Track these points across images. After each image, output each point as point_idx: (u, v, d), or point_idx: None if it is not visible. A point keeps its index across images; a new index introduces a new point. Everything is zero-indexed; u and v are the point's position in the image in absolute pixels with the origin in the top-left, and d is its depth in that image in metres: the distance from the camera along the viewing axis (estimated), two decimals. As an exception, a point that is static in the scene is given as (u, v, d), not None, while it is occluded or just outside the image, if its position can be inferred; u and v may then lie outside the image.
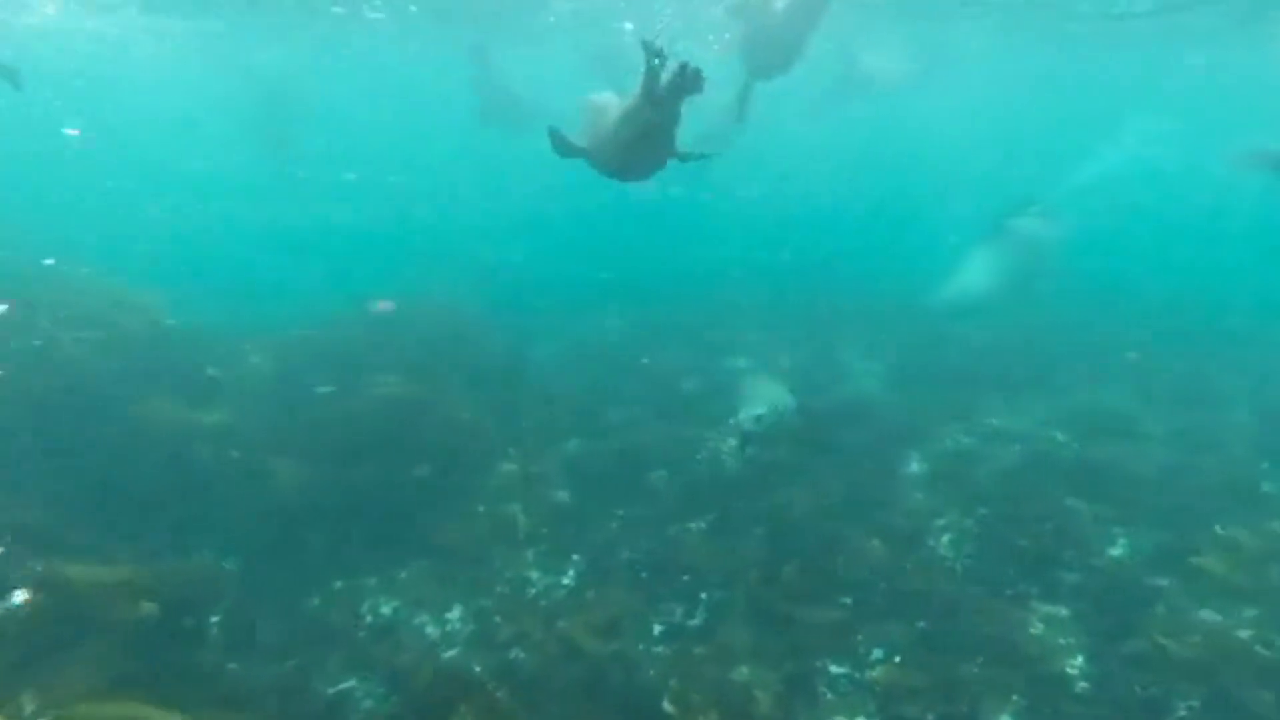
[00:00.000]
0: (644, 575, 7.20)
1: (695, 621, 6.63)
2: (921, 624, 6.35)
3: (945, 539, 7.39)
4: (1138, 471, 8.27)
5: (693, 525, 7.90)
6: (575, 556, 7.56)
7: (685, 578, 7.08)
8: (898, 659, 6.06)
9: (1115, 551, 7.21)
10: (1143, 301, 14.93)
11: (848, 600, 6.66)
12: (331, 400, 8.70)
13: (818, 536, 7.41)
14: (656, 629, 6.58)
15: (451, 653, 6.62)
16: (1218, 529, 7.10)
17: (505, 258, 17.45)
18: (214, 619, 6.54)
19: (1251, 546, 6.88)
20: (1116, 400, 10.55)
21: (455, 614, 6.99)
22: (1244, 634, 6.16)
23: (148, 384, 8.19)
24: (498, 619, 6.82)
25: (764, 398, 9.72)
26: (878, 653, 6.14)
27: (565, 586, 7.21)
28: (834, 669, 6.03)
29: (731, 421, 9.57)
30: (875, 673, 5.95)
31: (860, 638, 6.30)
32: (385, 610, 7.07)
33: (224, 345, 9.56)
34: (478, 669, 6.37)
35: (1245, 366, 11.64)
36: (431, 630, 6.87)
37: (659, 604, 6.82)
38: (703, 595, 6.85)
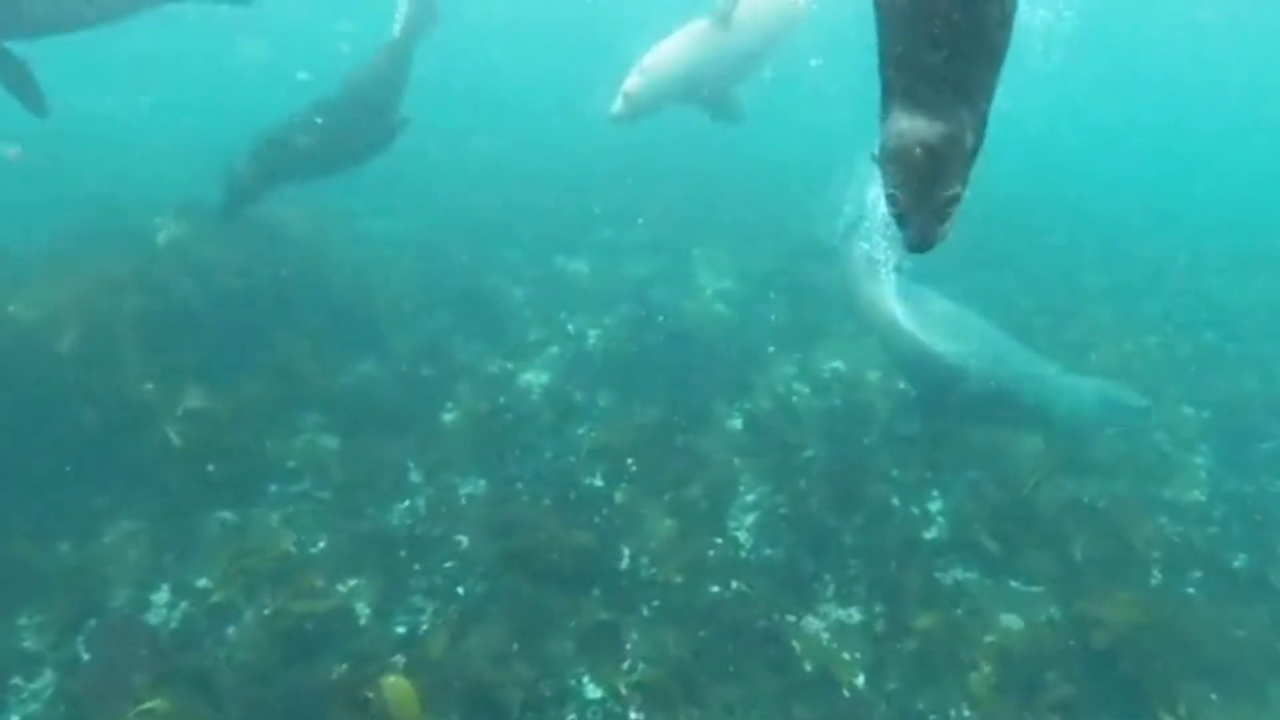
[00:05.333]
0: (402, 554, 6.19)
1: (450, 616, 5.71)
2: (702, 632, 5.61)
3: (749, 520, 6.62)
4: (968, 436, 7.59)
5: (474, 486, 6.89)
6: (331, 522, 6.45)
7: (448, 564, 6.10)
8: (662, 673, 5.34)
9: (926, 535, 6.61)
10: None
11: (627, 597, 5.85)
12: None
13: (608, 512, 6.54)
14: (400, 629, 5.65)
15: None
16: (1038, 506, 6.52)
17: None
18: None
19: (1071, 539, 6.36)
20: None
21: (164, 591, 5.86)
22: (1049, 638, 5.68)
23: None
24: (217, 597, 5.73)
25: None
26: (643, 668, 5.39)
27: (308, 557, 6.13)
28: (591, 691, 5.27)
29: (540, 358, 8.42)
30: (634, 690, 5.23)
31: (629, 647, 5.54)
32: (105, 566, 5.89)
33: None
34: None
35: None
36: (149, 597, 5.77)
37: (408, 597, 5.85)
38: (460, 589, 5.91)
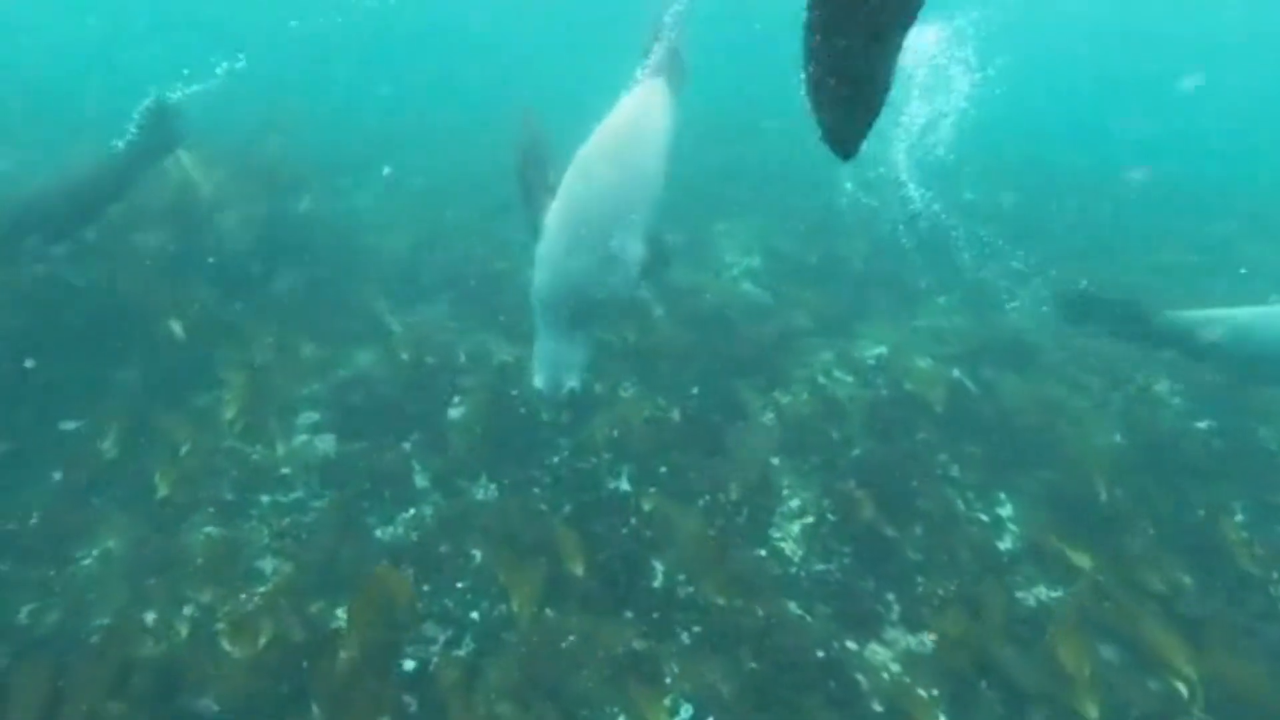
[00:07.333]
0: (409, 572, 5.48)
1: (460, 652, 5.02)
2: (752, 664, 4.91)
3: (795, 529, 5.90)
4: (1032, 421, 6.83)
5: (485, 492, 6.19)
6: (323, 540, 5.73)
7: (460, 584, 5.40)
8: (709, 711, 4.65)
9: (999, 544, 5.89)
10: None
11: (663, 622, 5.15)
12: None
13: (635, 519, 5.82)
14: (409, 665, 4.95)
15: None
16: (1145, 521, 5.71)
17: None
18: None
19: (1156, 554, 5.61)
20: (1030, 309, 8.96)
21: (149, 618, 5.15)
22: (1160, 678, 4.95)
23: None
24: (200, 629, 5.03)
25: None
26: (686, 710, 4.70)
27: (302, 579, 5.41)
28: (625, 739, 4.58)
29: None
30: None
31: (669, 680, 4.84)
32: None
33: None
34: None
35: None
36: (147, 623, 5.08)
37: (416, 625, 5.15)
38: (474, 615, 5.21)
